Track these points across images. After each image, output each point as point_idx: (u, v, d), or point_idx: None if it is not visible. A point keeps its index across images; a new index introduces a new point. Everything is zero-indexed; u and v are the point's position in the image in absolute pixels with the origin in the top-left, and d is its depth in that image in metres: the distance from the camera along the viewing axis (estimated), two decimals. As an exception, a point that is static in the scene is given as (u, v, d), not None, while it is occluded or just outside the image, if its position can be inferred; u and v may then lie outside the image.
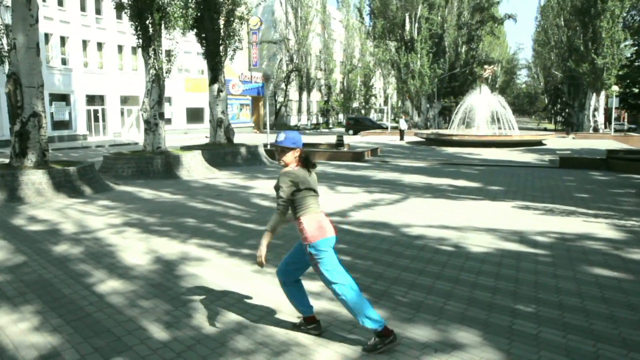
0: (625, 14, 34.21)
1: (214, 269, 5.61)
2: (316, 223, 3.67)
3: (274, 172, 15.65)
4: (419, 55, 40.11)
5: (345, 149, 21.82)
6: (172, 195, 10.86)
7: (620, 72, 35.37)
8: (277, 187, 3.65)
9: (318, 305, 4.51)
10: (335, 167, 17.15)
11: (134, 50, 35.75)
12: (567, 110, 45.60)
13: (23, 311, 4.39)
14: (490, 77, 36.78)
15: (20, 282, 5.17)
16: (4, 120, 26.27)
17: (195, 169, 14.54)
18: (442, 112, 47.55)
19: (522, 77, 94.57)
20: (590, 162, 16.81)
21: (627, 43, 34.17)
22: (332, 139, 28.92)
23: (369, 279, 5.30)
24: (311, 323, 3.95)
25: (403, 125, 32.26)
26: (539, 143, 26.89)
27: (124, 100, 35.82)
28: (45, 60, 27.92)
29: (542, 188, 12.19)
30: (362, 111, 69.03)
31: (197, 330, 4.01)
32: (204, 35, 17.29)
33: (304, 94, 58.41)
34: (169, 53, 14.84)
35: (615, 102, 32.69)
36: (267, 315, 4.34)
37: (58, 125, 31.21)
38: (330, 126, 60.54)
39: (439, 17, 42.49)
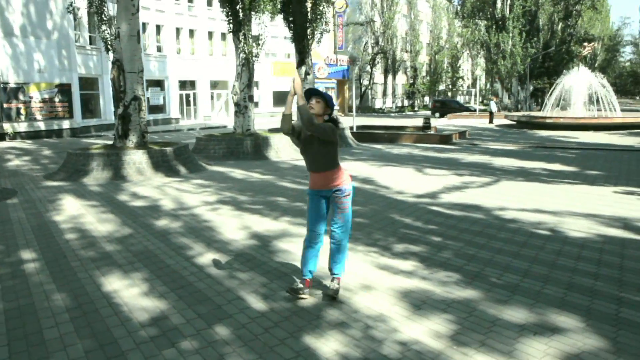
0: None
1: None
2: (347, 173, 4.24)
3: (361, 153, 15.68)
4: (510, 34, 38.17)
5: (432, 132, 21.36)
6: (262, 176, 11.20)
7: None
8: (324, 125, 3.95)
9: (411, 283, 4.51)
10: (422, 149, 16.85)
11: (223, 36, 36.97)
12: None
13: (133, 278, 4.76)
14: (589, 55, 34.19)
15: (128, 252, 5.59)
16: (106, 105, 28.22)
17: (283, 150, 14.88)
18: (534, 94, 45.05)
19: (627, 55, 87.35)
20: None
21: None
22: (418, 122, 28.37)
23: (462, 260, 5.20)
24: (307, 288, 4.21)
25: (493, 107, 30.98)
26: (645, 126, 24.76)
27: (214, 84, 37.24)
28: (142, 48, 29.61)
29: (649, 173, 11.28)
30: (449, 94, 67.11)
31: (292, 302, 4.15)
32: (291, 18, 17.50)
33: (389, 77, 57.63)
34: (257, 38, 15.19)
35: None
36: (358, 290, 4.39)
37: (153, 109, 33.07)
38: (416, 109, 59.40)
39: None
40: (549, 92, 28.80)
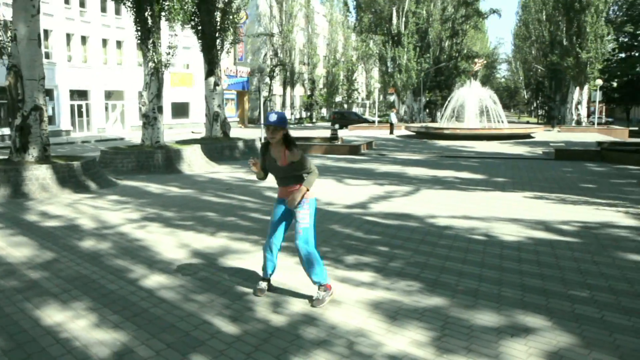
0: (607, 10, 34.79)
1: (255, 261, 5.51)
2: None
3: (275, 166, 15.51)
4: (405, 49, 40.22)
5: (339, 143, 21.80)
6: (181, 190, 10.68)
7: (600, 67, 35.98)
8: (301, 159, 4.24)
9: (376, 294, 4.48)
10: (334, 160, 17.08)
11: (118, 44, 35.08)
12: (549, 104, 46.28)
13: (75, 308, 4.25)
14: (472, 70, 37.04)
15: (58, 278, 5.01)
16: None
17: (196, 163, 14.33)
18: (428, 106, 47.81)
19: (502, 72, 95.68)
20: (585, 153, 17.08)
21: (609, 38, 34.70)
22: (319, 133, 28.98)
23: (415, 268, 5.27)
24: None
25: (394, 118, 32.32)
26: (528, 136, 27.22)
27: (108, 95, 35.13)
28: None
29: (547, 179, 12.33)
30: (345, 105, 69.02)
31: (264, 323, 3.93)
32: (200, 28, 17.03)
33: (288, 89, 58.11)
34: (171, 47, 14.55)
35: (598, 95, 33.23)
36: (327, 305, 4.27)
37: (41, 121, 30.45)
38: (314, 120, 60.41)
39: (424, 11, 42.66)
40: (445, 105, 30.68)
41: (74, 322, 3.96)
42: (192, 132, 34.13)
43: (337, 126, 42.19)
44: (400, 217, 7.85)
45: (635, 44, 44.84)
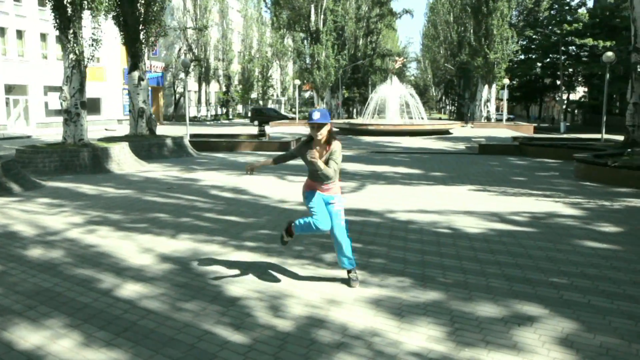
0: (511, 14, 37.22)
1: (230, 263, 5.23)
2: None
3: (208, 163, 15.03)
4: (324, 47, 40.55)
5: (266, 139, 21.58)
6: (118, 190, 9.98)
7: (505, 66, 38.45)
8: (338, 150, 4.36)
9: (372, 292, 4.41)
10: (267, 157, 16.82)
11: (19, 33, 32.27)
12: (460, 101, 48.79)
13: (50, 326, 3.77)
14: (393, 68, 38.13)
15: (16, 293, 4.44)
16: None
17: (125, 162, 13.50)
18: (346, 103, 48.61)
19: (412, 70, 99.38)
20: (505, 148, 18.14)
21: (513, 40, 37.15)
22: (242, 130, 28.60)
23: (398, 263, 5.27)
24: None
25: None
26: (447, 132, 28.48)
27: (9, 89, 32.21)
28: None
29: (479, 173, 12.93)
30: (261, 102, 68.42)
31: (271, 329, 3.72)
32: (122, 19, 16.04)
33: (203, 85, 56.60)
34: (96, 40, 13.55)
35: (505, 94, 35.48)
36: (328, 306, 4.13)
37: None
38: (230, 117, 59.37)
39: (341, 9, 43.29)
40: (367, 102, 31.31)
41: (56, 342, 3.52)
42: (106, 130, 32.24)
43: (256, 122, 41.81)
44: (360, 212, 7.84)
45: (533, 47, 48.38)
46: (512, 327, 3.77)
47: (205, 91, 57.81)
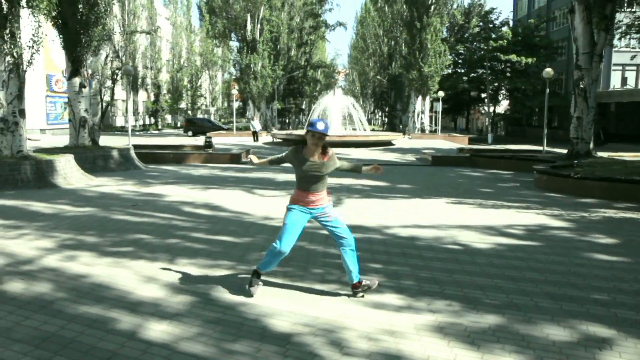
0: (443, 30, 38.66)
1: (254, 289, 4.72)
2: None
3: (160, 176, 14.13)
4: (260, 56, 40.06)
5: (211, 151, 20.85)
6: (77, 208, 9.01)
7: (438, 79, 39.81)
8: (335, 159, 4.66)
9: (409, 318, 4.08)
10: (221, 170, 16.17)
11: None
12: (392, 112, 49.92)
13: (82, 381, 3.13)
14: (337, 80, 38.42)
15: (17, 342, 3.69)
16: None
17: (72, 175, 12.36)
18: (282, 113, 48.27)
19: (340, 82, 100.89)
20: (456, 159, 18.55)
21: (445, 54, 38.54)
22: (175, 141, 27.70)
23: (431, 285, 4.99)
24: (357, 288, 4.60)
25: (257, 126, 31.87)
26: (390, 143, 28.86)
27: None
28: None
29: (445, 185, 13.02)
30: (190, 112, 66.50)
31: (314, 354, 3.29)
32: (61, 21, 14.78)
33: (131, 94, 54.14)
34: (36, 41, 12.34)
35: (440, 105, 36.67)
36: (385, 336, 3.76)
37: None
38: (160, 127, 57.24)
39: (276, 19, 43.05)
40: (310, 112, 31.13)
41: (101, 403, 2.89)
42: (29, 139, 29.77)
43: (190, 133, 40.46)
44: (357, 229, 7.45)
45: (459, 61, 50.58)
46: (594, 351, 3.59)
47: (134, 100, 55.38)
